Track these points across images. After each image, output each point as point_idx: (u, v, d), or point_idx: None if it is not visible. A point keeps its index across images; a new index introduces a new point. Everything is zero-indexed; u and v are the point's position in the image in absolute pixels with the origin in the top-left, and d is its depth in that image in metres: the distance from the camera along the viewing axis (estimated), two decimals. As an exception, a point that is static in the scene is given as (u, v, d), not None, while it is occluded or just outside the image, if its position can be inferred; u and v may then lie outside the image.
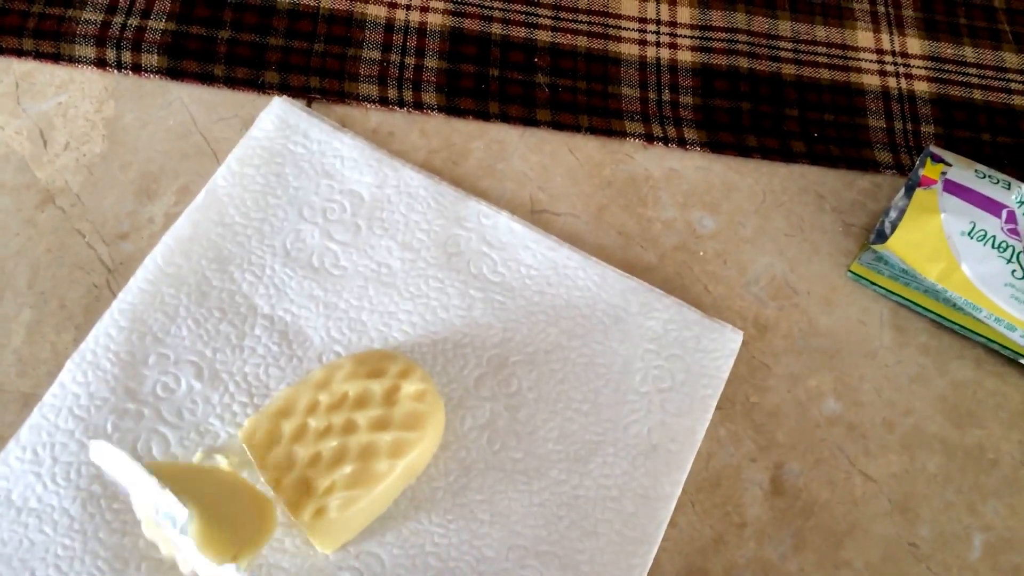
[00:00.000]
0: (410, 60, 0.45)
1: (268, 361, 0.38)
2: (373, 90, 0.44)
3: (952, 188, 0.42)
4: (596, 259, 0.41)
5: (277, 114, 0.43)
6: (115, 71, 0.43)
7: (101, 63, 0.43)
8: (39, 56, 0.43)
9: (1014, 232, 0.41)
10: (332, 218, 0.41)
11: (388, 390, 0.35)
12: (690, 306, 0.41)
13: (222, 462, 0.35)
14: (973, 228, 0.41)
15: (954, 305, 0.41)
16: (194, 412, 0.36)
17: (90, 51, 0.43)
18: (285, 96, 0.43)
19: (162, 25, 0.44)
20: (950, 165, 0.42)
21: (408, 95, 0.44)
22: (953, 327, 0.43)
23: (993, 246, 0.41)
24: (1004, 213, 0.41)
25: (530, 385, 0.39)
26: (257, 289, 0.39)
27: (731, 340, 0.41)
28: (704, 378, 0.40)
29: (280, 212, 0.41)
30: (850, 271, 0.44)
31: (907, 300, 0.43)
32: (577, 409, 0.39)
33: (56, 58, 0.43)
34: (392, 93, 0.44)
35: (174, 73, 0.43)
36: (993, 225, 0.41)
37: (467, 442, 0.37)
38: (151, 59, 0.43)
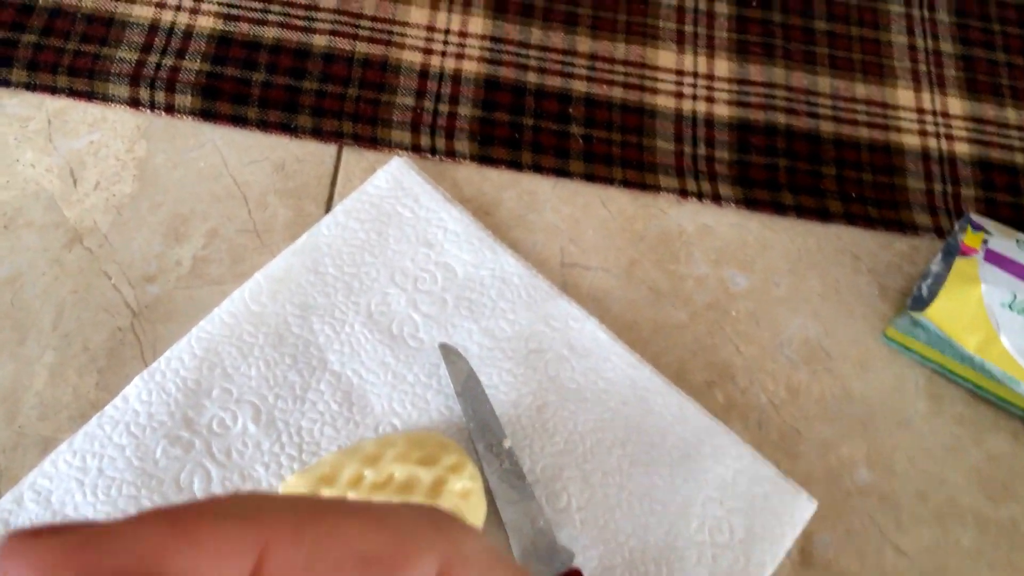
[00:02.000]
0: (444, 107, 0.45)
1: (326, 419, 0.37)
2: (406, 137, 0.44)
3: (993, 258, 0.41)
4: (678, 388, 0.40)
5: (393, 173, 0.42)
6: (148, 111, 0.43)
7: (134, 102, 0.43)
8: (73, 94, 0.43)
9: (1057, 305, 0.40)
10: (422, 288, 0.40)
11: (435, 481, 0.34)
12: (766, 460, 0.39)
13: None
14: (1015, 300, 0.40)
15: (992, 376, 0.40)
16: (243, 455, 0.36)
17: (124, 90, 0.43)
18: (406, 155, 0.43)
19: (197, 66, 0.44)
20: (991, 234, 0.41)
21: (440, 143, 0.44)
22: (990, 398, 0.42)
23: (1035, 319, 0.40)
24: (1047, 285, 0.40)
25: (580, 505, 0.37)
26: (332, 344, 0.39)
27: (803, 508, 0.38)
28: (765, 541, 0.37)
29: (373, 272, 0.40)
30: (885, 335, 0.43)
31: (943, 368, 0.42)
32: (623, 543, 0.37)
33: (90, 96, 0.43)
34: (424, 140, 0.44)
35: (207, 114, 0.43)
36: (1035, 297, 0.40)
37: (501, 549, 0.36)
38: (184, 100, 0.43)
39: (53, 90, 0.43)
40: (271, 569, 0.12)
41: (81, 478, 0.35)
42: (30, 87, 0.43)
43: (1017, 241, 0.42)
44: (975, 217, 0.43)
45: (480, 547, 0.14)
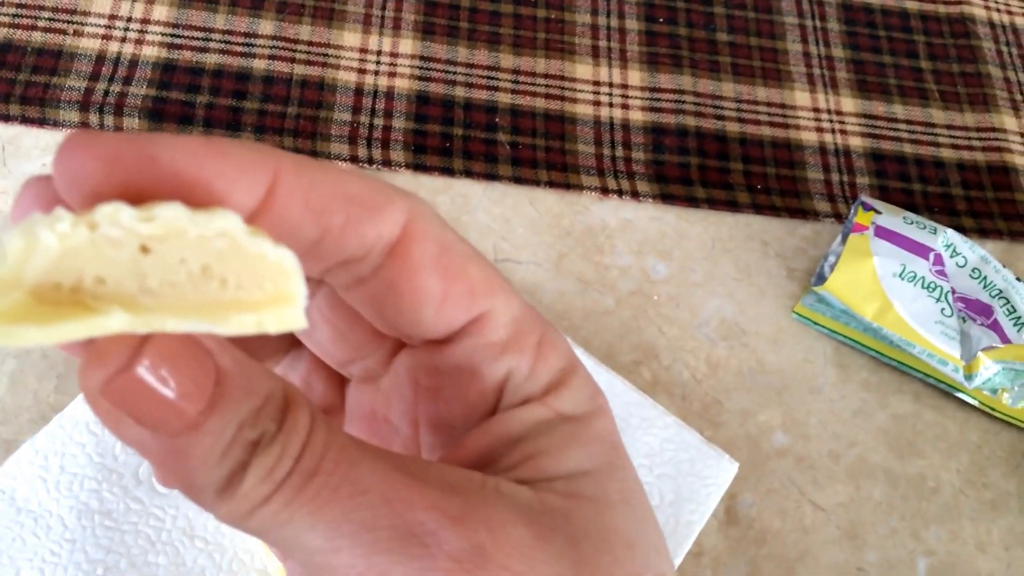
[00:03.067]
0: (379, 121, 0.48)
1: None
2: (344, 149, 0.47)
3: (883, 233, 0.45)
4: (607, 367, 0.42)
5: None
6: (98, 134, 0.46)
7: (85, 127, 0.45)
8: (25, 120, 0.45)
9: (941, 273, 0.45)
10: None
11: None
12: (691, 428, 0.42)
13: None
14: (904, 270, 0.44)
15: (890, 342, 0.44)
16: None
17: (74, 115, 0.45)
18: (345, 166, 0.46)
19: (143, 91, 0.47)
20: (880, 212, 0.46)
21: (377, 154, 0.47)
22: (891, 363, 0.46)
23: (923, 286, 0.44)
24: (932, 256, 0.45)
25: None
26: None
27: (726, 470, 0.41)
28: (692, 503, 0.40)
29: None
30: (794, 312, 0.47)
31: (848, 339, 0.46)
32: None
33: (42, 122, 0.45)
34: (362, 152, 0.47)
35: (155, 135, 0.46)
36: (922, 267, 0.44)
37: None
38: (132, 123, 0.46)
39: (6, 118, 0.45)
40: (281, 189, 0.15)
41: (44, 476, 0.37)
42: (-17, 116, 0.45)
43: (903, 218, 0.46)
44: (866, 199, 0.47)
45: (439, 218, 0.17)
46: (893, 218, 0.46)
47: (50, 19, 0.48)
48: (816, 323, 0.46)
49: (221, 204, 0.14)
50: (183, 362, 0.14)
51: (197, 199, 0.14)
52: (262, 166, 0.14)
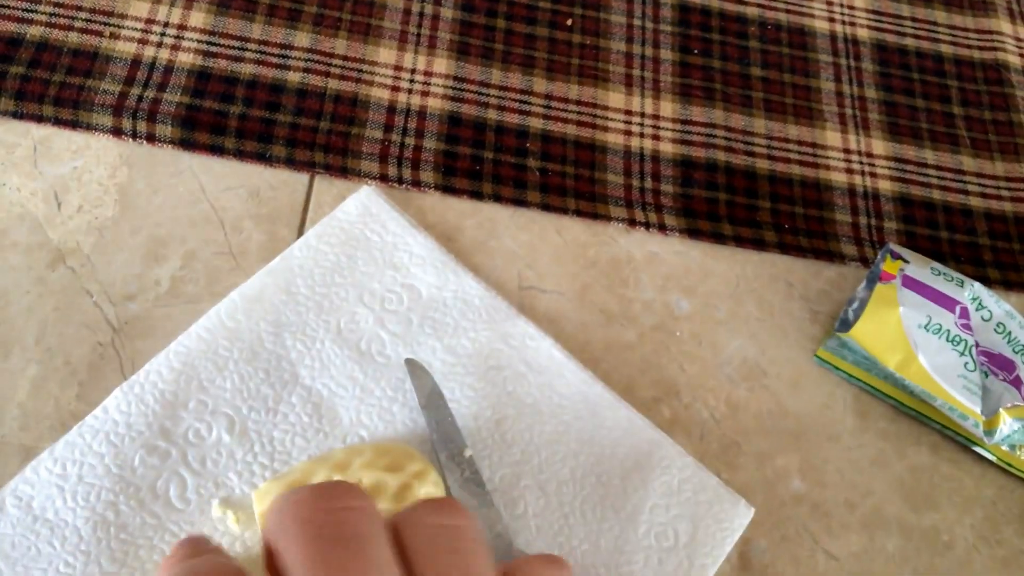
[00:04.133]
0: (410, 140, 0.48)
1: (297, 430, 0.39)
2: (374, 167, 0.47)
3: (910, 284, 0.45)
4: (628, 404, 0.43)
5: (362, 201, 0.45)
6: (130, 139, 0.45)
7: (117, 131, 0.45)
8: (58, 122, 0.45)
9: (967, 327, 0.44)
10: (389, 308, 0.43)
11: (401, 487, 0.36)
12: (708, 470, 0.42)
13: (230, 518, 0.36)
14: (929, 322, 0.44)
15: (912, 393, 0.44)
16: (217, 463, 0.38)
17: (107, 120, 0.45)
18: (374, 184, 0.46)
19: (177, 98, 0.46)
20: (908, 262, 0.46)
21: (407, 173, 0.47)
22: (911, 413, 0.45)
23: (947, 339, 0.44)
24: (958, 309, 0.44)
25: (536, 512, 0.40)
26: (304, 359, 0.41)
27: (742, 515, 0.41)
28: (706, 546, 0.40)
29: (342, 292, 0.43)
30: (816, 356, 0.47)
31: (869, 386, 0.46)
32: (576, 548, 0.40)
33: (74, 125, 0.45)
34: (392, 171, 0.47)
35: (186, 144, 0.46)
36: (948, 320, 0.44)
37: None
38: (165, 130, 0.46)
39: (39, 119, 0.45)
40: None
41: (62, 484, 0.37)
42: (17, 115, 0.45)
43: (931, 269, 0.46)
44: (894, 247, 0.47)
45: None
46: (921, 269, 0.45)
47: (87, 20, 0.48)
48: (837, 368, 0.46)
49: None
50: None
51: None
52: None
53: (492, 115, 0.50)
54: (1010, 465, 0.45)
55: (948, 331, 0.44)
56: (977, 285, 0.45)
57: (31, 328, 0.41)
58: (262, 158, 0.46)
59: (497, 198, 0.48)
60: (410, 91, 0.50)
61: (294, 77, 0.49)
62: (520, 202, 0.48)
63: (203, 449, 0.38)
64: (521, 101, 0.51)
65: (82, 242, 0.43)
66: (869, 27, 0.57)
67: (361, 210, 0.45)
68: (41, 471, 0.37)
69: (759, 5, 0.57)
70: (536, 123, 0.50)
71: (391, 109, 0.49)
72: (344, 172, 0.47)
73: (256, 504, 0.36)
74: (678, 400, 0.45)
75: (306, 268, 0.43)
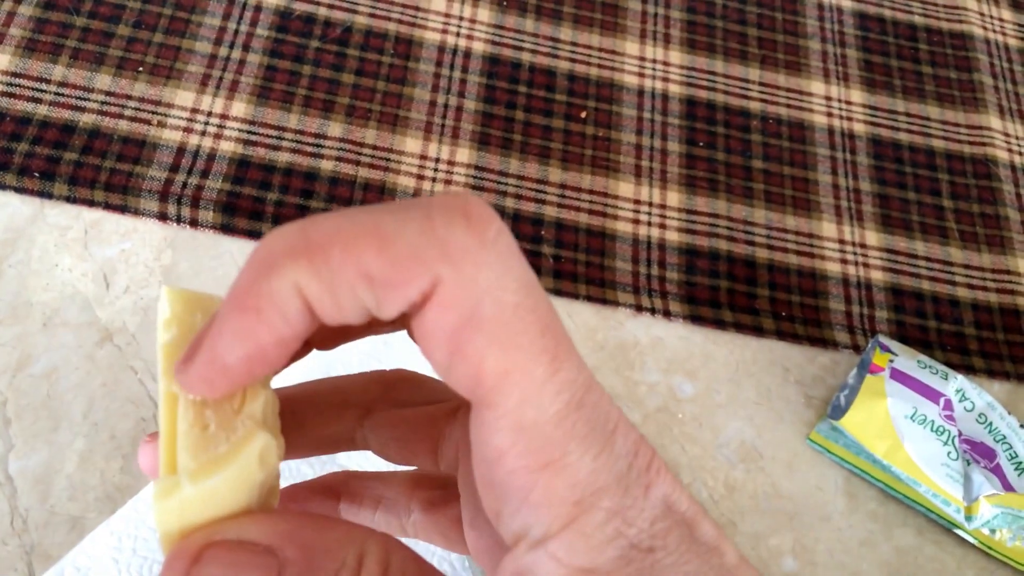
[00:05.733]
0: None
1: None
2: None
3: (898, 376, 0.48)
4: None
5: None
6: (174, 224, 0.49)
7: (163, 216, 0.49)
8: (108, 207, 0.49)
9: (950, 418, 0.47)
10: None
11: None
12: None
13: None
14: (915, 412, 0.47)
15: (898, 478, 0.47)
16: None
17: (153, 205, 0.49)
18: None
19: (219, 185, 0.50)
20: (896, 355, 0.49)
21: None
22: (898, 496, 0.48)
23: (932, 429, 0.47)
24: (942, 401, 0.48)
25: None
26: None
27: None
28: None
29: None
30: (809, 439, 0.50)
31: (859, 469, 0.49)
32: None
33: (123, 209, 0.49)
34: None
35: (226, 228, 0.49)
36: (932, 411, 0.47)
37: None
38: (207, 215, 0.49)
39: (90, 203, 0.49)
40: (311, 301, 0.16)
41: (116, 557, 0.40)
42: (70, 200, 0.48)
43: (918, 362, 0.49)
44: (883, 339, 0.50)
45: (493, 261, 0.16)
46: (908, 361, 0.49)
47: (136, 108, 0.52)
48: (829, 451, 0.49)
49: (283, 352, 0.17)
50: (243, 558, 0.16)
51: (266, 356, 0.17)
52: (285, 304, 0.16)
53: (510, 203, 0.53)
54: (990, 548, 0.47)
55: (932, 421, 0.47)
56: (961, 378, 0.48)
57: (79, 403, 0.44)
58: (295, 242, 0.49)
59: (513, 283, 0.51)
60: (434, 179, 0.53)
61: (327, 165, 0.52)
62: (534, 287, 0.51)
63: None
64: (537, 190, 0.54)
65: (128, 321, 0.46)
66: (865, 122, 0.61)
67: None
68: (98, 543, 0.40)
69: (761, 100, 0.60)
70: (551, 211, 0.54)
71: (415, 195, 0.52)
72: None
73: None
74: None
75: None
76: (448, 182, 0.53)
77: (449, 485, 0.22)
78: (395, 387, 0.24)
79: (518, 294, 0.16)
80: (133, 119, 0.51)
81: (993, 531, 0.47)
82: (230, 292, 0.17)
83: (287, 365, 0.18)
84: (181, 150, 0.51)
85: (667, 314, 0.52)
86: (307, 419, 0.22)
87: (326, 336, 0.20)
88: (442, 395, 0.23)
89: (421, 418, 0.22)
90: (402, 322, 0.17)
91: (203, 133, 0.52)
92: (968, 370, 0.52)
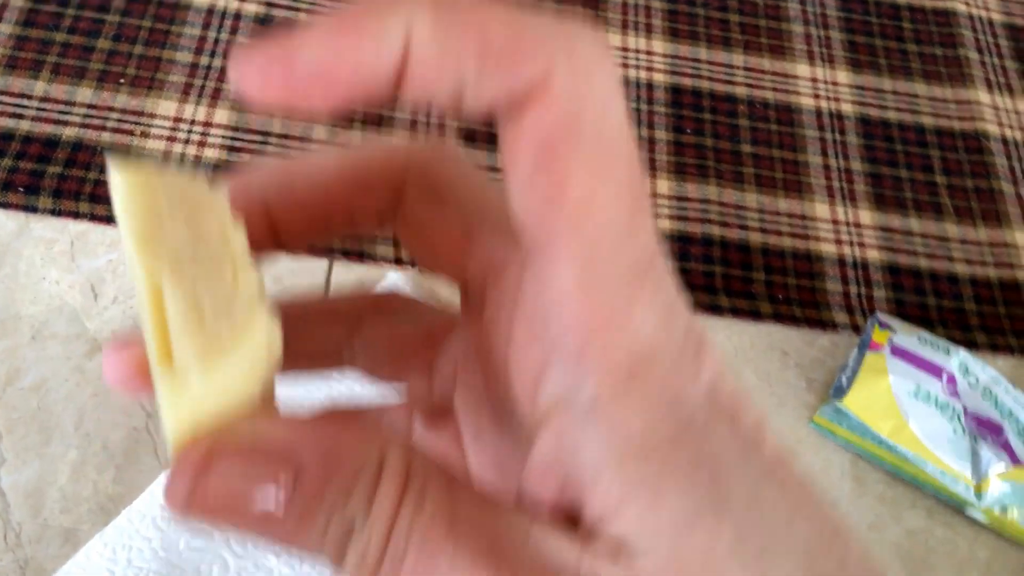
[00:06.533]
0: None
1: None
2: (389, 251, 0.50)
3: (898, 352, 0.47)
4: None
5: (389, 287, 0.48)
6: (160, 232, 0.49)
7: (148, 225, 0.48)
8: (93, 218, 0.48)
9: (954, 393, 0.47)
10: None
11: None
12: None
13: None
14: (918, 389, 0.46)
15: (905, 458, 0.46)
16: (257, 545, 0.40)
17: (139, 214, 0.49)
18: (394, 268, 0.49)
19: (204, 192, 0.50)
20: (895, 331, 0.48)
21: (419, 257, 0.50)
22: (906, 478, 0.48)
23: (936, 406, 0.46)
24: (945, 376, 0.47)
25: None
26: None
27: None
28: None
29: None
30: (813, 422, 0.49)
31: (864, 451, 0.48)
32: None
33: (108, 220, 0.48)
34: (406, 254, 0.50)
35: (213, 235, 0.49)
36: (936, 387, 0.46)
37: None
38: (193, 222, 0.49)
39: (76, 215, 0.48)
40: (414, 50, 0.14)
41: (112, 568, 0.39)
42: (55, 213, 0.48)
43: (918, 337, 0.48)
44: (882, 316, 0.49)
45: (605, 77, 0.14)
46: (908, 337, 0.48)
47: (119, 120, 0.51)
48: (834, 434, 0.48)
49: (363, 83, 0.14)
50: (257, 464, 0.15)
51: (340, 79, 0.14)
52: (391, 31, 0.14)
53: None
54: (1002, 528, 0.46)
55: (936, 398, 0.46)
56: (963, 352, 0.48)
57: (70, 415, 0.43)
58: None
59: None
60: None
61: (312, 168, 0.52)
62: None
63: None
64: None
65: (117, 331, 0.46)
66: (852, 102, 0.60)
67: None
68: (92, 555, 0.39)
69: (747, 85, 0.60)
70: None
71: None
72: (361, 256, 0.50)
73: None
74: (681, 468, 0.47)
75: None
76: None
77: (444, 409, 0.21)
78: (386, 304, 0.22)
79: (618, 127, 0.14)
80: (116, 130, 0.51)
81: (1004, 510, 0.46)
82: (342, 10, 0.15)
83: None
84: (166, 157, 0.51)
85: (662, 302, 0.51)
86: (294, 330, 0.19)
87: (305, 228, 0.19)
88: (434, 315, 0.22)
89: (416, 333, 0.21)
90: (486, 118, 0.16)
91: (187, 141, 0.51)
92: (971, 346, 0.52)
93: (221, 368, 0.15)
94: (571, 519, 0.16)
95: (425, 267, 0.20)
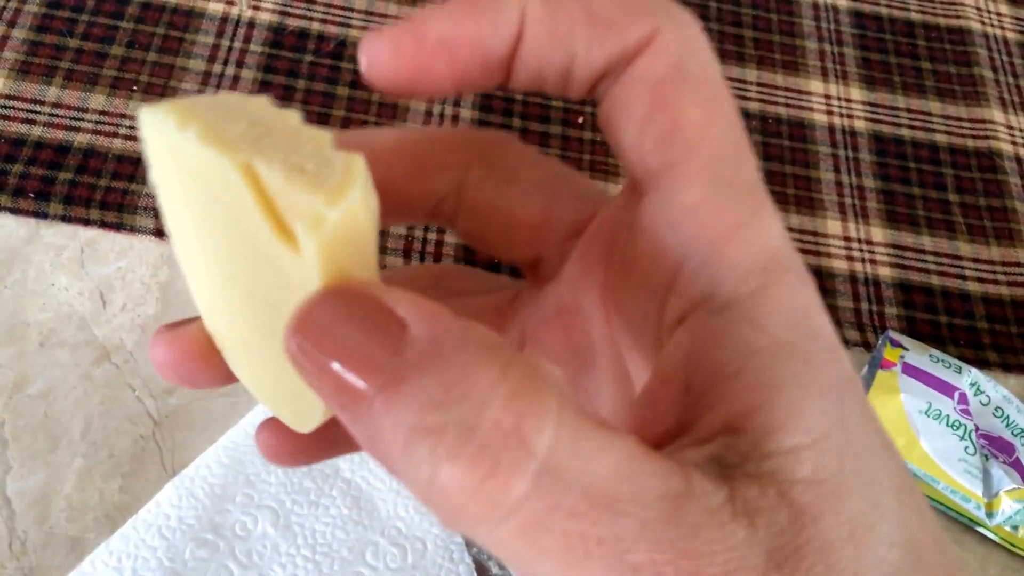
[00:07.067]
0: (432, 236, 0.51)
1: (337, 523, 0.42)
2: (398, 262, 0.50)
3: (910, 371, 0.47)
4: None
5: None
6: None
7: (159, 233, 0.48)
8: (103, 225, 0.48)
9: (966, 412, 0.46)
10: None
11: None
12: None
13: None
14: (930, 407, 0.46)
15: (916, 476, 0.46)
16: (262, 556, 0.40)
17: (149, 222, 0.48)
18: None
19: (215, 200, 0.50)
20: (907, 350, 0.48)
21: (399, 261, 0.50)
22: (916, 495, 0.47)
23: (948, 424, 0.46)
24: (957, 395, 0.46)
25: None
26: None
27: None
28: None
29: None
30: (822, 439, 0.48)
31: (874, 469, 0.48)
32: None
33: (119, 227, 0.48)
34: (415, 260, 0.50)
35: (223, 243, 0.49)
36: (947, 405, 0.46)
37: None
38: (203, 230, 0.49)
39: (86, 222, 0.48)
40: (528, 26, 0.16)
41: None
42: (65, 219, 0.48)
43: (930, 356, 0.48)
44: (893, 334, 0.49)
45: (698, 47, 0.16)
46: (920, 356, 0.48)
47: (131, 127, 0.51)
48: (843, 451, 0.48)
49: (482, 57, 0.16)
50: (367, 319, 0.13)
51: (461, 54, 0.16)
52: (508, 10, 0.16)
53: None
54: (1013, 545, 0.46)
55: (948, 416, 0.46)
56: (975, 371, 0.47)
57: (77, 422, 0.43)
58: (293, 255, 0.49)
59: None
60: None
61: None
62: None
63: (249, 542, 0.41)
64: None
65: (125, 339, 0.46)
66: (866, 119, 0.60)
67: None
68: (98, 564, 0.39)
69: (760, 100, 0.60)
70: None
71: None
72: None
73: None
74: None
75: None
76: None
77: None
78: (448, 277, 0.22)
79: (718, 74, 0.16)
80: (128, 137, 0.51)
81: (1015, 528, 0.46)
82: None
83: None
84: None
85: (672, 317, 0.51)
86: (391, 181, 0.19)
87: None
88: (496, 284, 0.21)
89: (479, 308, 0.21)
90: (592, 90, 0.17)
91: (198, 149, 0.51)
92: (982, 364, 0.51)
93: (347, 197, 0.14)
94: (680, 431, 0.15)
95: (488, 248, 0.20)
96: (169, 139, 0.15)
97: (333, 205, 0.13)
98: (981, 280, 0.55)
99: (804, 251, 0.54)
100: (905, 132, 0.60)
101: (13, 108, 0.51)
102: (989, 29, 0.66)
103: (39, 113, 0.51)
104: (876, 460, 0.14)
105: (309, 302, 0.14)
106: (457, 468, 0.12)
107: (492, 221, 0.20)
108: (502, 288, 0.21)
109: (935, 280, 0.54)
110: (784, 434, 0.13)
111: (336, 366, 0.13)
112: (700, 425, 0.14)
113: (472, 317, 0.18)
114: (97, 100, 0.52)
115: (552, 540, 0.12)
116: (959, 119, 0.61)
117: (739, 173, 0.15)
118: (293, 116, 0.15)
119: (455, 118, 0.56)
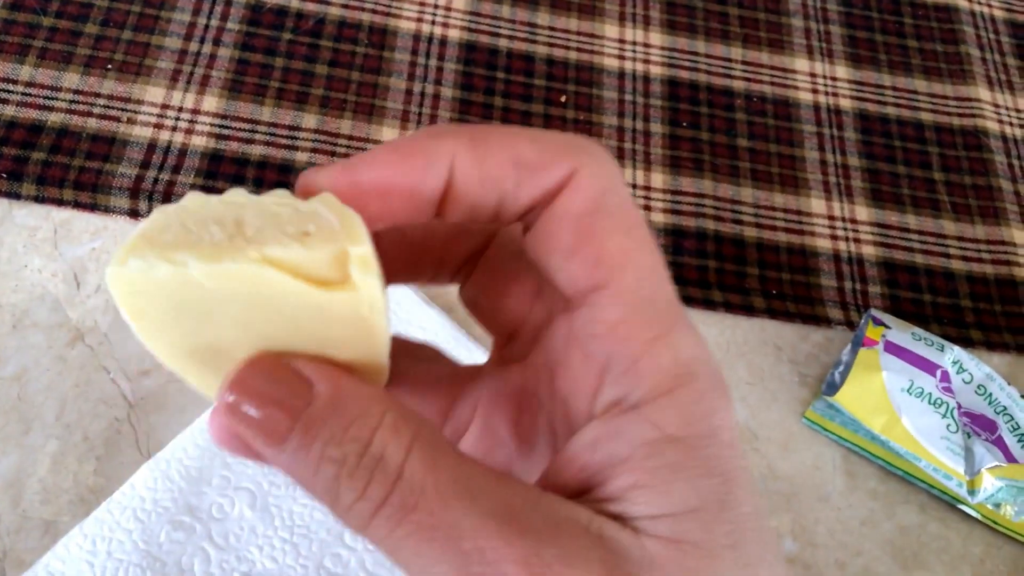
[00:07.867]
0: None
1: (315, 505, 0.41)
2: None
3: (892, 349, 0.47)
4: None
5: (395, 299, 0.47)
6: (146, 220, 0.48)
7: (134, 213, 0.48)
8: (77, 205, 0.48)
9: (948, 390, 0.46)
10: None
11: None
12: None
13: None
14: (911, 385, 0.46)
15: (898, 454, 0.46)
16: (239, 538, 0.40)
17: (124, 202, 0.48)
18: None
19: (191, 180, 0.49)
20: (889, 328, 0.47)
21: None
22: (899, 473, 0.47)
23: (930, 402, 0.45)
24: (939, 372, 0.46)
25: None
26: None
27: None
28: None
29: None
30: (805, 418, 0.48)
31: (857, 446, 0.47)
32: None
33: (93, 208, 0.48)
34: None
35: (199, 224, 0.48)
36: (929, 383, 0.46)
37: None
38: (179, 210, 0.48)
39: (59, 202, 0.47)
40: (458, 173, 0.18)
41: (91, 560, 0.38)
42: (38, 199, 0.47)
43: (912, 334, 0.48)
44: (876, 313, 0.49)
45: (614, 183, 0.18)
46: (902, 334, 0.47)
47: (105, 106, 0.51)
48: (826, 429, 0.48)
49: (414, 200, 0.18)
50: (283, 379, 0.17)
51: (394, 197, 0.18)
52: (439, 159, 0.18)
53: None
54: (995, 523, 0.46)
55: (930, 394, 0.46)
56: (957, 349, 0.47)
57: (51, 405, 0.43)
58: (271, 236, 0.48)
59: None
60: (411, 168, 0.52)
61: (302, 157, 0.51)
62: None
63: (226, 524, 0.40)
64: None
65: (100, 321, 0.45)
66: (851, 97, 0.60)
67: (392, 306, 0.47)
68: (72, 547, 0.39)
69: (745, 79, 0.59)
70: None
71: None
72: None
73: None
74: (672, 464, 0.46)
75: None
76: (426, 170, 0.52)
77: None
78: (416, 351, 0.24)
79: (633, 205, 0.18)
80: (102, 116, 0.50)
81: (998, 505, 0.46)
82: (389, 141, 0.18)
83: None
84: (152, 146, 0.50)
85: (655, 296, 0.50)
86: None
87: (405, 261, 0.21)
88: (458, 366, 0.23)
89: (440, 376, 0.23)
90: (524, 219, 0.19)
91: (174, 128, 0.51)
92: (966, 343, 0.51)
93: (361, 234, 0.17)
94: (582, 494, 0.18)
95: (479, 313, 0.23)
96: (154, 277, 0.17)
97: (357, 243, 0.16)
98: (966, 259, 0.55)
99: (788, 230, 0.54)
100: (891, 110, 0.60)
101: (-15, 87, 0.50)
102: (976, 7, 0.65)
103: (12, 92, 0.50)
104: (757, 541, 0.17)
105: (239, 369, 0.18)
106: (350, 484, 0.16)
107: (494, 292, 0.22)
108: (463, 370, 0.23)
109: (919, 259, 0.54)
110: (651, 504, 0.17)
111: (261, 414, 0.17)
112: (587, 497, 0.18)
113: (432, 382, 0.23)
114: (71, 79, 0.51)
115: (404, 530, 0.16)
116: (945, 97, 0.61)
117: (657, 292, 0.18)
118: (239, 194, 0.18)
119: (436, 97, 0.55)
